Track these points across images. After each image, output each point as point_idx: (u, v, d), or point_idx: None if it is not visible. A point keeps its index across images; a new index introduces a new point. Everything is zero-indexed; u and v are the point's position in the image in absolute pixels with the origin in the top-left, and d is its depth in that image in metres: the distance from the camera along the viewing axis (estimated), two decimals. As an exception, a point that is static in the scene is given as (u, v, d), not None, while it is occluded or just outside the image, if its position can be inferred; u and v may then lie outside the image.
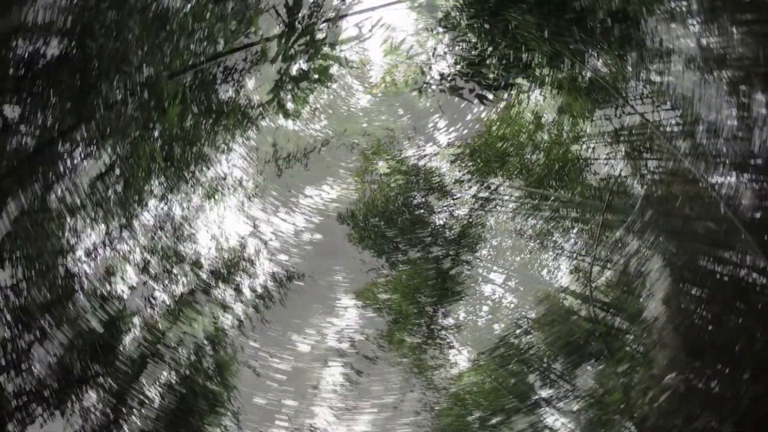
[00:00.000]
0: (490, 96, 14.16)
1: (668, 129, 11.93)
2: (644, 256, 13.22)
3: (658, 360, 12.40)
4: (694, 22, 10.57)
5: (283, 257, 18.51)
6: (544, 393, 14.96)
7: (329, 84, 13.71)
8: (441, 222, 18.45)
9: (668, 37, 10.90)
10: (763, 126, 9.03)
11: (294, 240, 19.47)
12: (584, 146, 15.50)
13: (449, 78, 13.92)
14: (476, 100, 14.05)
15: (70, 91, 8.69)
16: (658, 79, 12.04)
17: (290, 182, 18.12)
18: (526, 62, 13.34)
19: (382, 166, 19.06)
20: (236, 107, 13.03)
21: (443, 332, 17.87)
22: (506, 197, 17.98)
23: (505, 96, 15.97)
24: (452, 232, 18.34)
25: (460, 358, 17.63)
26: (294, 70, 11.62)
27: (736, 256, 9.71)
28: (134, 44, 9.57)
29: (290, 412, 18.71)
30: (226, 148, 13.63)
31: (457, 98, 14.73)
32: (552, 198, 16.80)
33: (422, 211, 18.56)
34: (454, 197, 18.27)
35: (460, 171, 18.00)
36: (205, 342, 14.06)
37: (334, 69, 12.34)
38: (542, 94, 15.26)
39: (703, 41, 10.18)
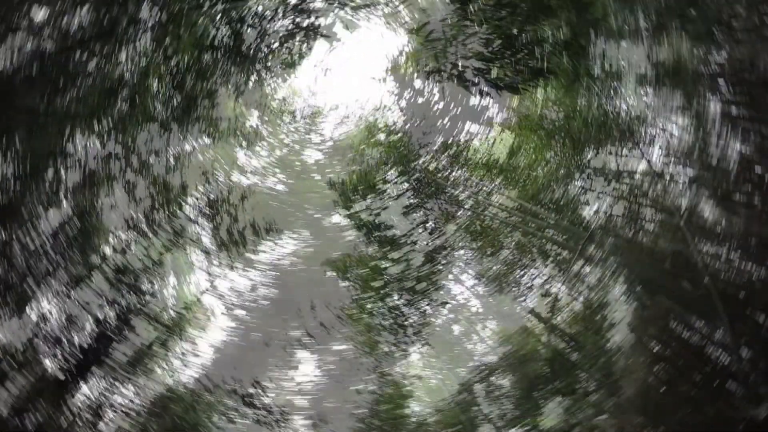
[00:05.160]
0: (491, 92, 14.27)
1: (673, 184, 11.97)
2: (616, 300, 13.33)
3: (599, 401, 12.61)
4: (725, 88, 10.51)
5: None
6: (485, 406, 15.14)
7: (333, 42, 13.80)
8: (427, 213, 18.44)
9: (697, 99, 10.84)
10: None
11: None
12: (584, 176, 15.50)
13: (461, 68, 13.95)
14: (479, 95, 14.18)
15: (98, 3, 8.54)
16: (676, 132, 12.01)
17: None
18: (537, 71, 13.36)
19: (383, 141, 18.91)
20: (256, 51, 12.91)
21: (402, 319, 17.98)
22: (497, 205, 18.00)
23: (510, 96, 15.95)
24: (436, 225, 18.36)
25: (412, 349, 17.76)
26: (305, 23, 11.79)
27: (706, 327, 9.86)
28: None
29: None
30: (236, 90, 13.50)
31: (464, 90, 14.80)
32: (540, 216, 16.85)
33: (411, 196, 18.53)
34: (446, 193, 18.26)
35: (458, 169, 17.98)
36: (172, 274, 14.04)
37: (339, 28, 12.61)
38: (554, 110, 15.24)
39: (733, 109, 10.17)
